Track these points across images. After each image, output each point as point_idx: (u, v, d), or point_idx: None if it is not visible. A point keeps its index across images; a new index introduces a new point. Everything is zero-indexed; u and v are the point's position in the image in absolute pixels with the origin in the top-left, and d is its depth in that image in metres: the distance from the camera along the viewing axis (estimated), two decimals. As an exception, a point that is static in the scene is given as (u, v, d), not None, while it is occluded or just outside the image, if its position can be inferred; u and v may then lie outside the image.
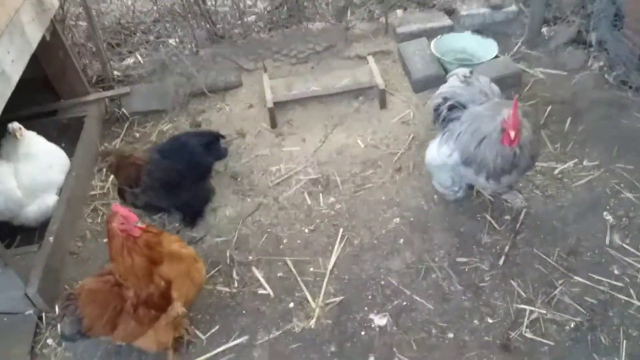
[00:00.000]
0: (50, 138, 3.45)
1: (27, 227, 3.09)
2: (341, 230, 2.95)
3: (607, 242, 2.68)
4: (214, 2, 4.42)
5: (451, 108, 2.70)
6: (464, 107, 2.67)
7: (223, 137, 3.18)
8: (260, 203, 3.20)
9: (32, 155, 3.13)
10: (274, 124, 3.75)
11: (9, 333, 2.53)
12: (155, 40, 4.54)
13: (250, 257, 2.88)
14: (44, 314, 2.64)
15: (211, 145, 3.06)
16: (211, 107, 4.00)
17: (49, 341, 2.56)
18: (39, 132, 3.36)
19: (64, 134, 3.72)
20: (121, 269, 2.13)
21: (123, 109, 3.95)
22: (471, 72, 2.75)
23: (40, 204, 3.07)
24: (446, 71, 3.86)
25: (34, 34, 2.99)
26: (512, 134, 2.28)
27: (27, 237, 3.10)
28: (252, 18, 4.51)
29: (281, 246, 2.93)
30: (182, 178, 2.88)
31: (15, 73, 2.69)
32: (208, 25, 4.36)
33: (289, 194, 3.24)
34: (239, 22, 4.38)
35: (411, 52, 4.05)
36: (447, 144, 2.65)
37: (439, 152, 2.71)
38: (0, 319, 2.59)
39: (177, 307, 2.21)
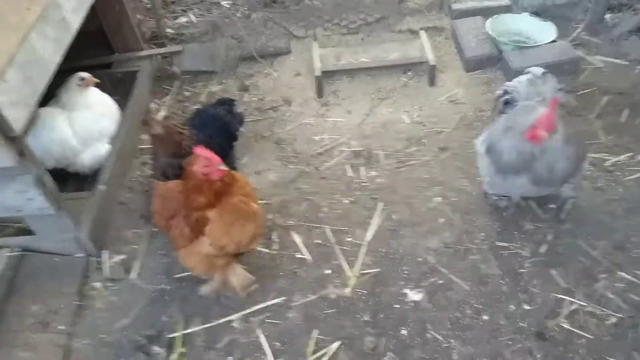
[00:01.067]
0: (103, 90, 3.54)
1: (81, 175, 3.22)
2: (381, 204, 2.96)
3: (656, 240, 2.62)
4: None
5: (507, 102, 2.65)
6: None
7: (234, 101, 3.25)
8: (302, 171, 3.23)
9: (87, 105, 3.24)
10: (320, 94, 3.75)
11: (60, 273, 2.66)
12: (209, 1, 4.55)
13: (290, 222, 2.93)
14: (92, 258, 2.76)
15: (233, 112, 3.15)
16: (259, 72, 4.02)
17: (97, 284, 2.68)
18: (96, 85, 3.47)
19: (117, 87, 3.79)
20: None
21: (175, 67, 4.01)
22: (544, 74, 2.63)
23: (94, 152, 3.18)
24: (500, 52, 3.76)
25: (95, -14, 3.04)
26: (540, 132, 2.16)
27: (79, 184, 3.23)
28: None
29: (320, 214, 2.96)
30: (221, 149, 2.95)
31: (75, 22, 2.74)
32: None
33: (331, 164, 3.26)
34: (293, -12, 4.34)
35: (465, 30, 3.94)
36: (485, 132, 2.64)
37: (479, 143, 2.69)
38: (51, 258, 2.72)
39: (204, 244, 2.31)
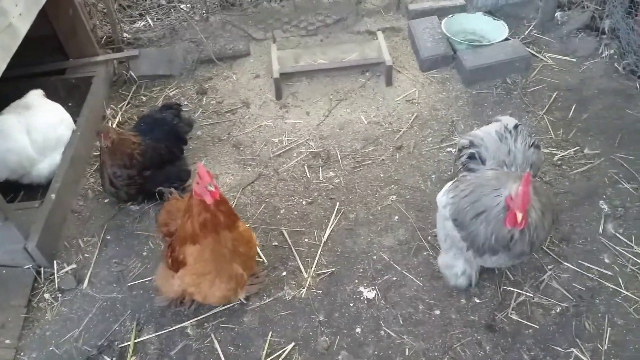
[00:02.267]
0: (58, 97, 3.50)
1: (35, 185, 3.15)
2: (338, 204, 2.99)
3: (601, 230, 2.70)
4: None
5: (471, 156, 2.36)
6: (482, 161, 2.31)
7: (180, 105, 3.29)
8: (260, 173, 3.23)
9: (41, 113, 3.18)
10: (279, 95, 3.76)
11: (8, 285, 2.61)
12: (167, 5, 4.52)
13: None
14: (42, 269, 2.71)
15: (180, 116, 3.17)
16: (218, 75, 4.00)
17: (46, 295, 2.63)
18: (47, 91, 3.42)
19: (72, 94, 3.76)
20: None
21: (131, 72, 3.97)
22: (516, 127, 2.30)
23: (51, 161, 3.12)
24: (455, 51, 3.83)
25: (43, -10, 2.98)
26: (520, 216, 1.90)
27: (31, 194, 3.16)
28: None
29: (278, 216, 2.97)
30: (170, 152, 2.98)
31: (22, 27, 2.69)
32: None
33: (289, 165, 3.27)
34: (250, -11, 4.34)
35: (421, 30, 4.00)
36: (449, 194, 2.29)
37: (441, 198, 2.38)
38: None
39: (175, 281, 2.28)
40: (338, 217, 2.92)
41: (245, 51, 4.12)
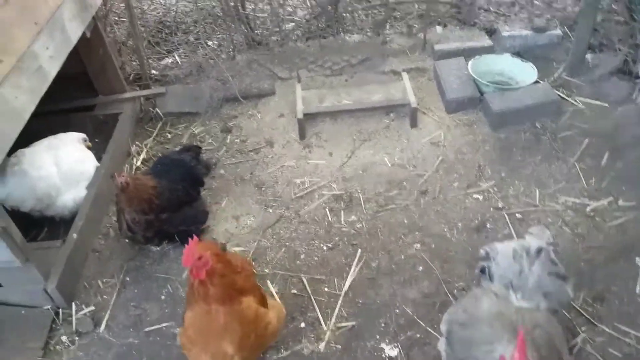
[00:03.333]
0: (86, 133, 3.56)
1: (58, 219, 3.17)
2: (359, 251, 2.91)
3: (638, 290, 2.55)
4: (253, 8, 4.46)
5: (482, 270, 2.19)
6: (491, 278, 2.11)
7: (200, 148, 3.31)
8: (281, 215, 3.19)
9: (69, 147, 3.25)
10: (302, 135, 3.74)
11: (25, 326, 2.60)
12: (195, 42, 4.61)
13: (267, 270, 2.87)
14: (60, 310, 2.69)
15: (199, 158, 3.19)
16: (243, 114, 4.02)
17: (63, 338, 2.61)
18: (77, 127, 3.54)
19: (100, 130, 3.81)
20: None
21: (157, 109, 4.02)
22: (539, 251, 2.04)
23: (75, 194, 3.15)
24: (481, 93, 3.77)
25: (75, 31, 3.06)
26: None
27: (53, 229, 3.18)
28: (290, 26, 4.51)
29: (298, 261, 2.91)
30: (187, 194, 2.98)
31: (52, 69, 2.75)
32: (246, 30, 4.38)
33: (311, 208, 3.22)
34: (277, 29, 4.39)
35: (447, 71, 3.97)
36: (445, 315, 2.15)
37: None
38: (18, 311, 2.66)
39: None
40: (359, 265, 2.84)
41: (270, 90, 4.14)
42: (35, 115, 2.55)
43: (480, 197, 3.15)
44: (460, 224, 3.00)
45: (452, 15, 4.55)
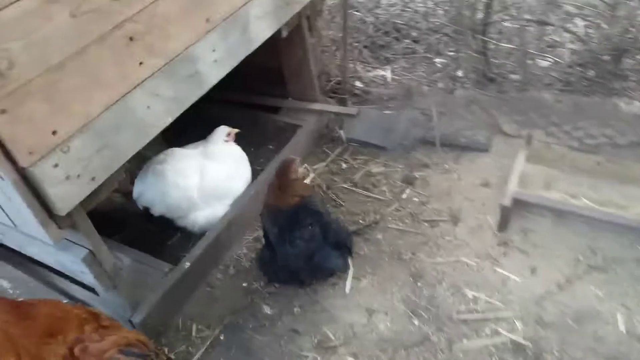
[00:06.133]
0: (264, 136, 3.31)
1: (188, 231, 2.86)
2: None
3: None
4: (498, 37, 3.40)
5: None
6: None
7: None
8: (427, 337, 2.28)
9: (224, 160, 2.85)
10: (503, 226, 2.68)
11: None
12: (420, 55, 3.78)
13: None
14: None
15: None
16: (436, 165, 3.12)
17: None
18: (256, 127, 3.30)
19: (277, 136, 3.41)
20: None
21: (342, 131, 3.40)
22: None
23: (211, 212, 2.77)
24: None
25: (262, 31, 2.56)
26: None
27: (186, 237, 2.87)
28: (543, 66, 3.33)
29: None
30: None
31: (214, 76, 2.30)
32: (481, 62, 3.38)
33: (472, 346, 2.23)
34: (521, 69, 3.27)
35: None
36: None
37: None
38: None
39: None
40: None
41: (483, 145, 3.12)
42: (218, 101, 2.47)
43: None
44: None
45: None
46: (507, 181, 2.73)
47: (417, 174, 3.08)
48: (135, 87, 1.92)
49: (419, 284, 2.51)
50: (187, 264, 2.50)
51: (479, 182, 2.96)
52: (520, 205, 2.66)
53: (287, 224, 2.35)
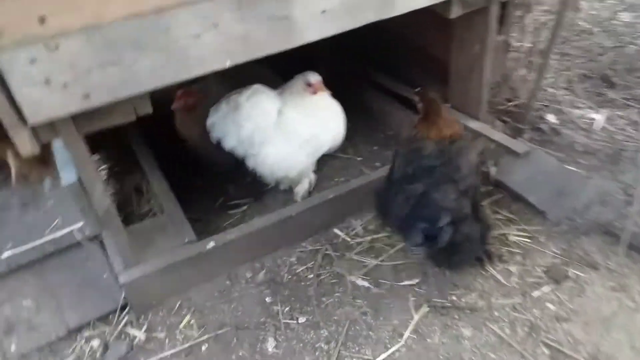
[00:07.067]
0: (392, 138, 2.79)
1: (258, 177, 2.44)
2: None
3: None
4: None
5: None
6: None
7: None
8: None
9: (307, 114, 2.36)
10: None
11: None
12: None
13: None
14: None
15: None
16: (610, 272, 2.02)
17: (95, 343, 1.92)
18: (387, 121, 2.84)
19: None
20: None
21: (495, 168, 2.46)
22: None
23: (284, 150, 2.32)
24: None
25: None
26: None
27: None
28: None
29: None
30: None
31: (312, 30, 1.67)
32: None
33: None
34: None
35: None
36: None
37: None
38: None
39: None
40: None
41: None
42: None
43: None
44: None
45: None
46: None
47: (572, 272, 2.02)
48: (181, 4, 1.43)
49: None
50: (212, 244, 2.02)
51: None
52: None
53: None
